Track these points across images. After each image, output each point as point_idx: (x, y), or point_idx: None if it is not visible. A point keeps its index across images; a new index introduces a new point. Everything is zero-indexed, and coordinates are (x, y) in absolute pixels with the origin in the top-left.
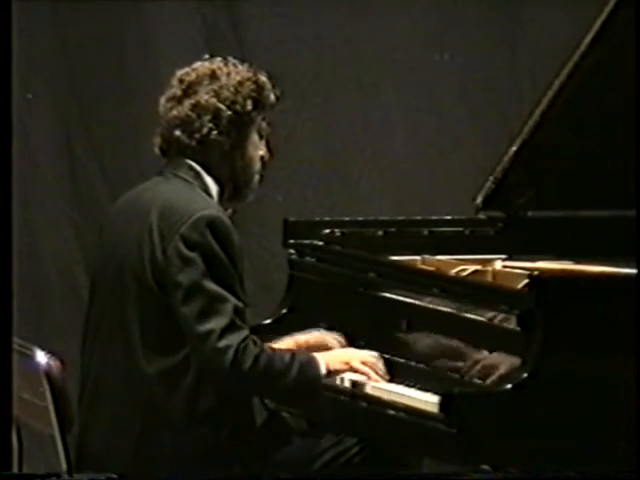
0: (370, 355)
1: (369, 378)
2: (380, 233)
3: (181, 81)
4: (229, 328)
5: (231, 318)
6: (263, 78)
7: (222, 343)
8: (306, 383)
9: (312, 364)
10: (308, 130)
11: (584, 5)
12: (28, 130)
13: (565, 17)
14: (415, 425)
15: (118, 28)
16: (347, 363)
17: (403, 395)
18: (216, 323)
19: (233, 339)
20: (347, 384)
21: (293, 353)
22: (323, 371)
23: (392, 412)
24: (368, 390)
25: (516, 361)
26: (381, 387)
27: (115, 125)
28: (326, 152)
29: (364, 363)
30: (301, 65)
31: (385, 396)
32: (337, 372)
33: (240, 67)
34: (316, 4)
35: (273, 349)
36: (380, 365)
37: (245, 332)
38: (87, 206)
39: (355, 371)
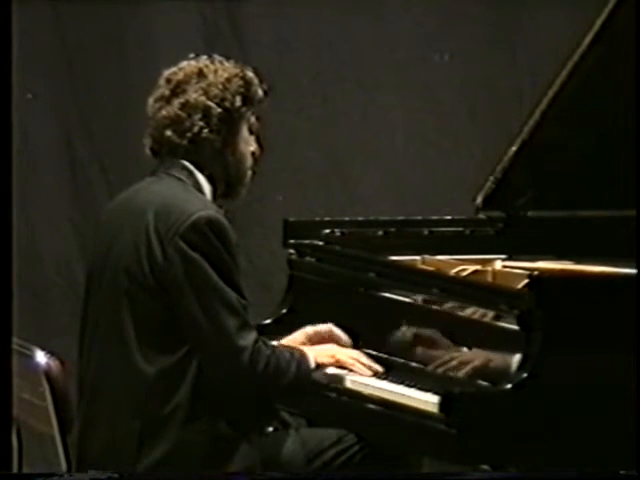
0: (353, 352)
1: (353, 370)
2: (380, 233)
3: (169, 81)
4: (243, 328)
5: (243, 317)
6: (250, 74)
7: (239, 343)
8: (301, 377)
9: (305, 359)
10: (308, 130)
11: (584, 5)
12: (28, 130)
13: (565, 17)
14: (415, 425)
15: (118, 28)
16: (333, 356)
17: (403, 395)
18: (230, 323)
19: (248, 339)
20: (348, 384)
21: (291, 350)
22: (313, 365)
23: (392, 412)
24: (368, 390)
25: (490, 355)
26: (382, 387)
27: (115, 125)
28: (326, 152)
29: (349, 357)
30: (301, 65)
31: (385, 395)
32: (324, 365)
33: (227, 64)
34: (316, 4)
35: (273, 345)
36: (364, 359)
37: (255, 332)
38: (87, 206)
39: (341, 365)
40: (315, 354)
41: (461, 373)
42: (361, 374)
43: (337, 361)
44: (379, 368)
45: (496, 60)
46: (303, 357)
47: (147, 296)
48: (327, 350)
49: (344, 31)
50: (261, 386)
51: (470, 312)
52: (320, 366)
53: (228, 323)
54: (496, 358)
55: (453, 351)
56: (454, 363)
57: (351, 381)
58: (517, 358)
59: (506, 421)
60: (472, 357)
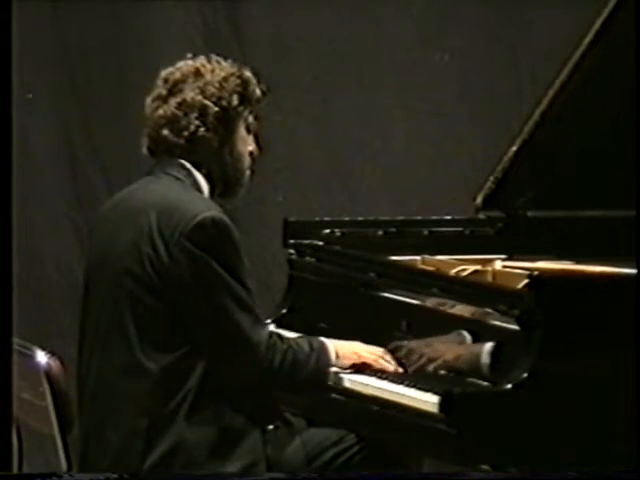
0: (377, 349)
1: (375, 368)
2: (380, 233)
3: (166, 80)
4: (256, 323)
5: (256, 313)
6: (248, 73)
7: (254, 339)
8: (321, 370)
9: (325, 350)
10: (308, 130)
11: (584, 5)
12: (28, 130)
13: (565, 17)
14: (415, 425)
15: (118, 28)
16: (355, 353)
17: (403, 395)
18: (244, 319)
19: (262, 334)
20: (354, 386)
21: (310, 342)
22: (334, 357)
23: (392, 412)
24: (368, 390)
25: (460, 348)
26: (381, 387)
27: (115, 125)
28: (326, 152)
29: (372, 354)
30: (301, 65)
31: (385, 396)
32: (345, 358)
33: (224, 63)
34: (316, 4)
35: (290, 339)
36: (388, 357)
37: (268, 327)
38: (87, 206)
39: (363, 361)
40: (337, 348)
41: (432, 369)
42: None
43: (359, 357)
44: (400, 369)
45: (496, 60)
46: (323, 349)
47: (150, 296)
48: (351, 346)
49: (344, 31)
50: (279, 380)
51: (470, 312)
52: (341, 359)
53: (241, 319)
54: (465, 350)
55: (422, 348)
56: (423, 360)
57: (351, 381)
58: (488, 347)
59: (506, 421)
60: (442, 352)
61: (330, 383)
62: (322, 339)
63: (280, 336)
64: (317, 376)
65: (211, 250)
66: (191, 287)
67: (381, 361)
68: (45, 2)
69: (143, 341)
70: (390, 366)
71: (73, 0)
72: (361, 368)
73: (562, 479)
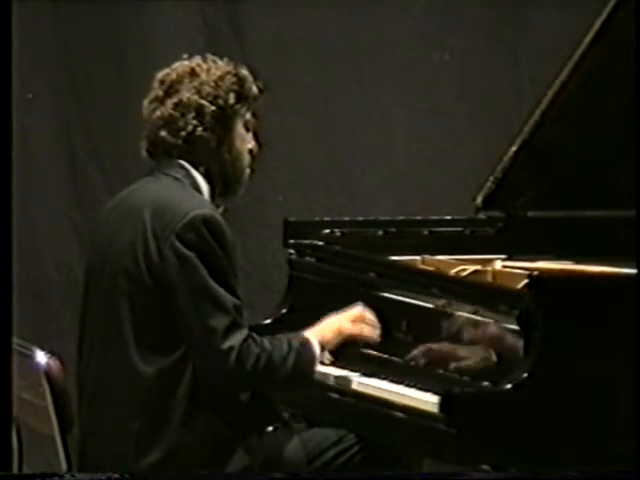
0: (355, 310)
1: (363, 334)
2: (380, 233)
3: (162, 82)
4: (231, 328)
5: (233, 317)
6: (244, 71)
7: (226, 344)
8: (302, 368)
9: (307, 347)
10: (308, 130)
11: (584, 5)
12: (28, 130)
13: (565, 17)
14: (415, 425)
15: (118, 28)
16: (338, 329)
17: (403, 395)
18: (219, 323)
19: (236, 339)
20: (355, 386)
21: (289, 341)
22: (317, 351)
23: (392, 412)
24: (368, 390)
25: (492, 353)
26: (382, 387)
27: (115, 125)
28: (326, 152)
29: (353, 321)
30: (301, 65)
31: (385, 395)
32: (330, 343)
33: (220, 62)
34: (316, 4)
35: (267, 341)
36: (368, 315)
37: (246, 331)
38: (87, 206)
39: (349, 334)
40: (319, 336)
41: (463, 369)
42: (371, 338)
43: (340, 333)
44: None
45: (496, 60)
46: (304, 347)
47: (144, 296)
48: (330, 326)
49: (344, 31)
50: (252, 384)
51: (470, 312)
52: (327, 345)
53: (216, 323)
54: (497, 355)
55: (454, 349)
56: (455, 361)
57: (351, 381)
58: (519, 355)
59: (506, 421)
60: (473, 354)
61: (330, 383)
62: (305, 335)
63: (255, 339)
64: (298, 374)
65: (198, 250)
66: (176, 286)
67: (366, 329)
68: (45, 2)
69: (139, 343)
70: (375, 330)
71: (73, 0)
72: (350, 341)
73: (562, 479)
